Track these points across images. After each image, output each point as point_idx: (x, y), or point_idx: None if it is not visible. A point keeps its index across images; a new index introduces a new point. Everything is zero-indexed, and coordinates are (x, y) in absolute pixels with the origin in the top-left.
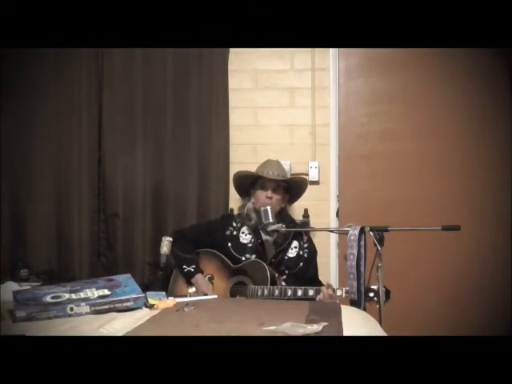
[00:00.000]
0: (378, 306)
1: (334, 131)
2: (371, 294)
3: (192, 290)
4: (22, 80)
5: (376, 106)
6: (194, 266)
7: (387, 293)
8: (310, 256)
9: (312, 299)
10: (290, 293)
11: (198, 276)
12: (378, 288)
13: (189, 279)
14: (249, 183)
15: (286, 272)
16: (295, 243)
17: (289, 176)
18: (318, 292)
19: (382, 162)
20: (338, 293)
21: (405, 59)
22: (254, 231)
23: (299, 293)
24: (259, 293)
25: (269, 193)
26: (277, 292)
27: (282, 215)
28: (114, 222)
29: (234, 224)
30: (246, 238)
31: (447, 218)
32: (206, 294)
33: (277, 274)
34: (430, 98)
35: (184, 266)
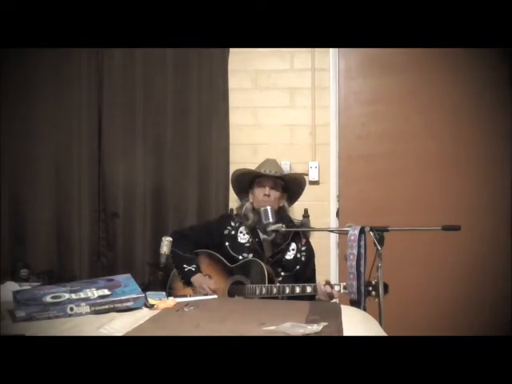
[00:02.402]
0: (376, 300)
1: (334, 131)
2: (369, 288)
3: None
4: (22, 80)
5: (376, 105)
6: (194, 266)
7: (385, 286)
8: (308, 259)
9: (310, 296)
10: (287, 290)
11: (199, 275)
12: (377, 282)
13: (189, 279)
14: (247, 183)
15: (282, 274)
16: (293, 245)
17: None
18: (315, 289)
19: (382, 162)
20: (336, 288)
21: (405, 59)
22: (252, 231)
23: (297, 290)
24: (257, 292)
25: (267, 190)
26: (275, 290)
27: (281, 215)
28: (114, 222)
29: (233, 223)
30: (243, 237)
31: (447, 218)
32: (207, 294)
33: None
34: (430, 97)
35: (185, 266)
